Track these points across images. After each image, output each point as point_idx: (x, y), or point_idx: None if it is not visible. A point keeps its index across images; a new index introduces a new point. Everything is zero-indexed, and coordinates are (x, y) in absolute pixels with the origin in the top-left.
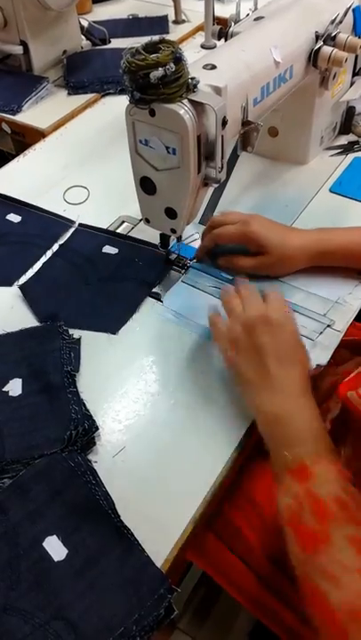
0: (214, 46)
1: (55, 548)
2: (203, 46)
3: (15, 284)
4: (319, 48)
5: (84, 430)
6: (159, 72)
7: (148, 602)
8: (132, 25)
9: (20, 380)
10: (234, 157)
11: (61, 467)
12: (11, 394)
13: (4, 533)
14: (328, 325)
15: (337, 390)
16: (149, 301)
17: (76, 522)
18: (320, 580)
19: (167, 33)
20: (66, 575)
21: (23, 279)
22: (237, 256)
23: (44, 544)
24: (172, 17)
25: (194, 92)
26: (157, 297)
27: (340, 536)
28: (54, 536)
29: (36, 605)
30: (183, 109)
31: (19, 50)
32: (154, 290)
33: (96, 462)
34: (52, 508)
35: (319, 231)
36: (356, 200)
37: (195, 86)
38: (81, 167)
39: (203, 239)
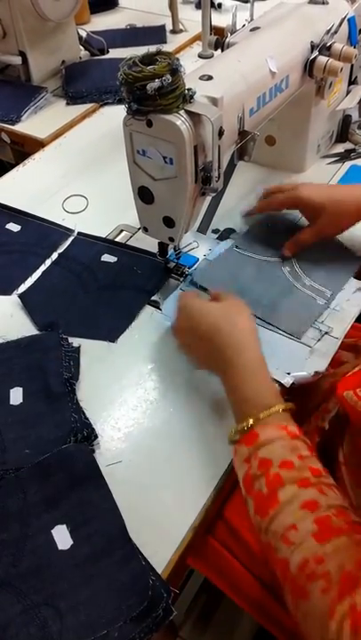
0: (211, 56)
1: (62, 536)
2: (200, 56)
3: (14, 292)
4: (315, 58)
5: (84, 438)
6: (156, 83)
7: (135, 612)
8: (130, 35)
9: (21, 388)
10: (231, 167)
11: (86, 459)
12: (12, 402)
13: (18, 511)
14: (326, 332)
15: (336, 390)
16: (148, 309)
17: (87, 516)
18: (278, 543)
19: (165, 43)
20: (66, 565)
21: (22, 288)
22: (296, 234)
23: (53, 531)
24: (169, 27)
25: (190, 102)
26: (156, 305)
27: (290, 499)
28: (64, 525)
29: (31, 587)
30: (180, 120)
31: (17, 60)
32: (153, 298)
33: None
34: (69, 498)
35: None
36: None
37: (191, 97)
38: (80, 176)
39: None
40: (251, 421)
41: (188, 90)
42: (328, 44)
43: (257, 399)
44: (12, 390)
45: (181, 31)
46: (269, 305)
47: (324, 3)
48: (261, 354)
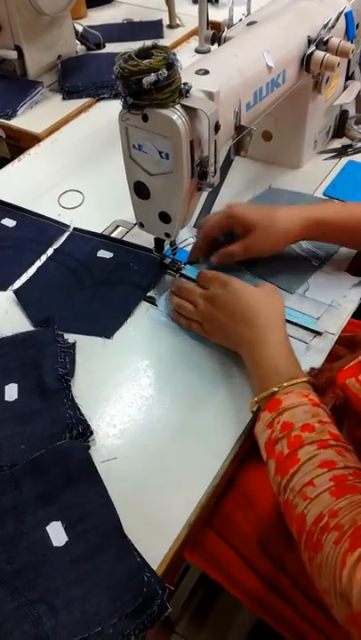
0: (208, 50)
1: (57, 533)
2: (197, 50)
3: (10, 288)
4: (312, 53)
5: (79, 434)
6: (152, 77)
7: (130, 608)
8: (127, 30)
9: (16, 385)
10: (227, 162)
11: (81, 456)
12: (6, 398)
13: (13, 508)
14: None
15: (334, 384)
16: (144, 305)
17: (82, 513)
18: (296, 499)
19: (162, 37)
20: (61, 562)
21: (18, 284)
22: (225, 246)
23: (48, 527)
24: (166, 21)
25: (186, 97)
26: (152, 301)
27: (309, 458)
28: (59, 522)
29: (26, 584)
30: (176, 115)
31: (13, 55)
32: (148, 294)
33: None
34: (64, 494)
35: (305, 205)
36: None
37: (187, 91)
38: (76, 171)
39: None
40: (275, 389)
41: (185, 84)
42: (325, 39)
43: (282, 371)
44: (6, 386)
45: (178, 26)
46: (267, 264)
47: None
48: (287, 334)
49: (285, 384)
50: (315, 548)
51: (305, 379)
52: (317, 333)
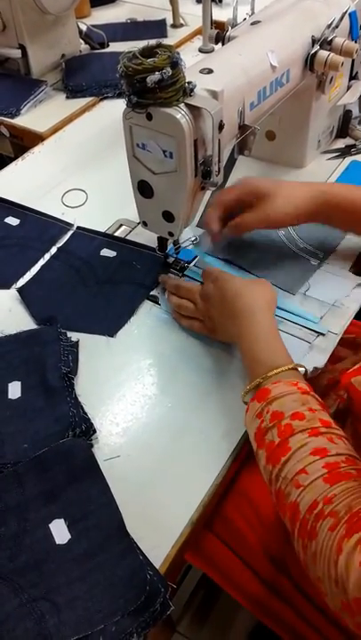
0: (212, 50)
1: (60, 531)
2: (201, 50)
3: (13, 286)
4: (316, 52)
5: (82, 432)
6: (156, 76)
7: (132, 606)
8: (131, 29)
9: (19, 382)
10: (231, 161)
11: (84, 454)
12: (10, 396)
13: (16, 505)
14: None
15: (337, 385)
16: (147, 304)
17: (85, 511)
18: (288, 488)
19: (165, 37)
20: (63, 560)
21: (21, 282)
22: (240, 215)
23: (51, 525)
24: (170, 21)
25: (190, 96)
26: (155, 300)
27: (300, 446)
28: (62, 519)
29: (29, 581)
30: (180, 113)
31: (17, 53)
32: (152, 293)
33: None
34: (67, 492)
35: (322, 184)
36: None
37: (191, 90)
38: (79, 170)
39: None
40: (260, 380)
41: (189, 83)
42: (329, 39)
43: (268, 360)
44: (10, 384)
45: (182, 25)
46: (266, 265)
47: None
48: (275, 322)
49: (270, 374)
50: (309, 536)
51: (290, 365)
52: (320, 333)
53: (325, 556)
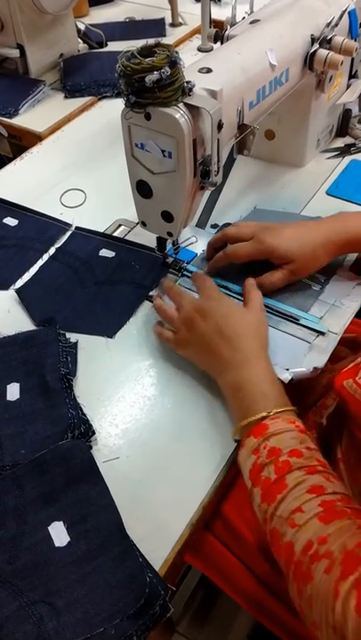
0: (211, 49)
1: (59, 533)
2: (200, 49)
3: (12, 287)
4: (315, 51)
5: (81, 434)
6: (154, 76)
7: (132, 609)
8: (129, 28)
9: (18, 384)
10: (230, 161)
11: (83, 456)
12: (8, 398)
13: (15, 508)
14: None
15: (334, 385)
16: (146, 305)
17: (84, 513)
18: (284, 527)
19: (164, 36)
20: (62, 562)
21: (20, 283)
22: (266, 275)
23: (50, 528)
24: (168, 20)
25: (189, 95)
26: None
27: (297, 483)
28: (61, 522)
29: (28, 584)
30: (179, 113)
31: (15, 53)
32: (151, 293)
33: None
34: (66, 494)
35: (333, 221)
36: (352, 202)
37: (190, 90)
38: (78, 170)
39: (210, 247)
40: (265, 414)
41: (187, 82)
42: (329, 37)
43: (271, 396)
44: (8, 386)
45: (181, 24)
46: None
47: None
48: (271, 367)
49: (275, 410)
50: (304, 579)
51: (292, 407)
52: (320, 333)
53: (322, 601)
